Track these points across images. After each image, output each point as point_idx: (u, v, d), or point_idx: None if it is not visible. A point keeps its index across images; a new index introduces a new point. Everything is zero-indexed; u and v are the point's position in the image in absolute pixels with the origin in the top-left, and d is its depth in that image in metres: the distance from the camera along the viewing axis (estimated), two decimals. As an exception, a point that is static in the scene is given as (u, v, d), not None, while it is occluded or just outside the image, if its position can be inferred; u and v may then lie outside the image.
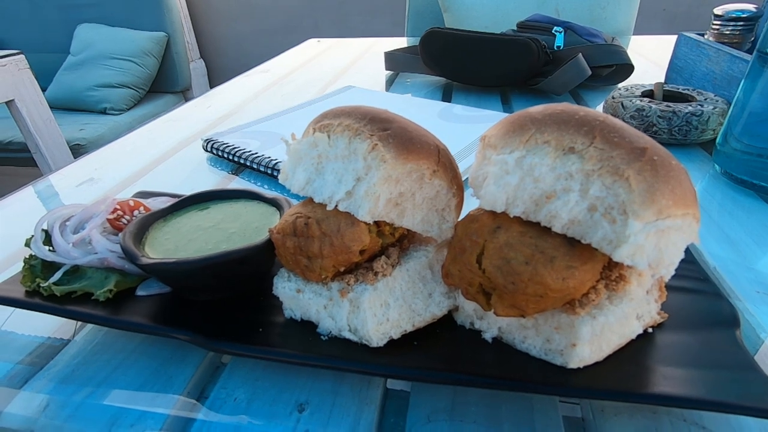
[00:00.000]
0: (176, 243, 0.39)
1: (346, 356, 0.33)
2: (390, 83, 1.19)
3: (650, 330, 0.34)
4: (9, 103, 1.92)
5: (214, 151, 0.75)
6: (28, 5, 2.91)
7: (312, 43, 1.71)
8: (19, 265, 0.50)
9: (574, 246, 0.29)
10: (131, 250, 0.36)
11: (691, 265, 0.40)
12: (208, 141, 0.76)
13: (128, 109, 2.71)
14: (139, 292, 0.39)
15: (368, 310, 0.33)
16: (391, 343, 0.35)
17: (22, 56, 1.94)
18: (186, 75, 3.03)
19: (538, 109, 0.32)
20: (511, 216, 0.31)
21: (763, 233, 0.52)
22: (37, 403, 0.35)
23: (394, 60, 1.23)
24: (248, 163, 0.70)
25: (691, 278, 0.39)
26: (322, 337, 0.35)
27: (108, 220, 0.42)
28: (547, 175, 0.29)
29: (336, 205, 0.33)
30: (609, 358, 0.32)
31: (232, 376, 0.37)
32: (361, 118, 0.34)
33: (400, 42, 1.64)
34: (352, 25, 3.09)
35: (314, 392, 0.35)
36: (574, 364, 0.30)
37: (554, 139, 0.29)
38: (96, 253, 0.39)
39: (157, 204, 0.46)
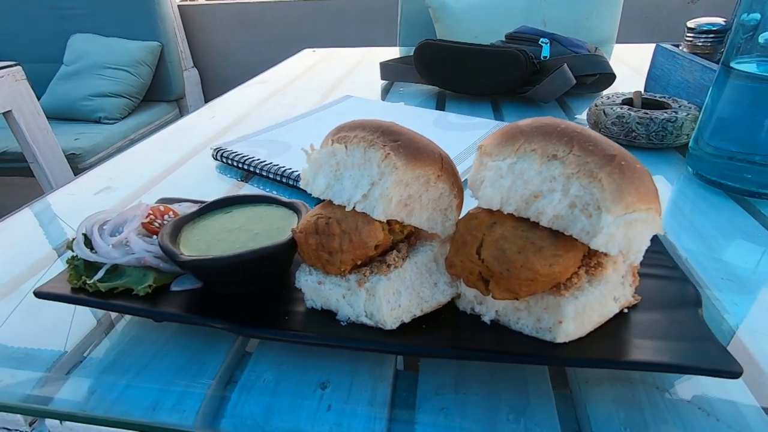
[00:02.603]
0: (207, 243, 0.43)
1: (364, 338, 0.38)
2: (386, 92, 1.24)
3: (626, 310, 0.39)
4: (6, 114, 1.93)
5: (224, 160, 0.79)
6: (22, 16, 2.92)
7: (307, 53, 1.76)
8: (47, 269, 0.55)
9: (558, 237, 0.34)
10: (170, 249, 0.40)
11: (662, 255, 0.46)
12: (217, 150, 0.80)
13: (123, 118, 2.72)
14: (174, 288, 0.43)
15: (383, 298, 0.38)
16: (403, 326, 0.39)
17: (19, 67, 1.96)
18: (180, 83, 3.05)
19: (526, 122, 0.37)
20: (505, 213, 0.36)
21: (729, 228, 0.58)
22: (84, 389, 0.39)
23: (388, 70, 1.28)
24: (257, 171, 0.74)
25: (662, 266, 0.44)
26: (341, 323, 0.40)
27: (142, 224, 0.46)
28: (534, 178, 0.34)
29: (354, 207, 0.38)
30: (590, 334, 0.37)
31: (259, 362, 0.41)
32: (374, 131, 0.39)
33: (393, 51, 1.69)
34: (346, 33, 3.13)
35: (334, 373, 0.39)
36: (560, 339, 0.35)
37: (540, 147, 0.35)
38: (133, 254, 0.44)
39: (182, 209, 0.50)
